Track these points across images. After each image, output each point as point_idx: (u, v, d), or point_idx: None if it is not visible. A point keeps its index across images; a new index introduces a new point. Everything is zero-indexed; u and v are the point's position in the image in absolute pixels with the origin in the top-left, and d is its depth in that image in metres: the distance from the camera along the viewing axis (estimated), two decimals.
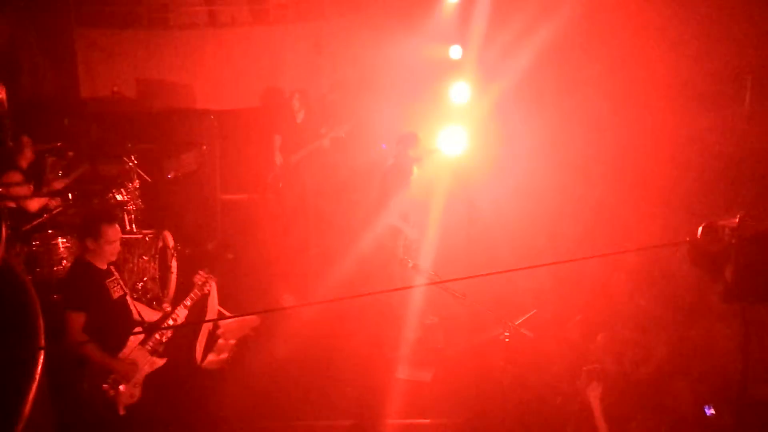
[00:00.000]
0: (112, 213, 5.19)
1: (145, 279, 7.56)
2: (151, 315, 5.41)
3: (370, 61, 9.99)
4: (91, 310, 4.88)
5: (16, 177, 7.26)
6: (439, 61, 9.70)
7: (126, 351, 5.03)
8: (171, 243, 7.82)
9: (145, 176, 8.37)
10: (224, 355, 5.10)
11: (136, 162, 8.20)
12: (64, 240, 7.38)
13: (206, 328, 6.84)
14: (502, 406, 5.89)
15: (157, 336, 5.19)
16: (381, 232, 7.64)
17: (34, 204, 7.39)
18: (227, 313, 5.38)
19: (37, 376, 2.86)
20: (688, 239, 4.17)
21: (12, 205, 7.19)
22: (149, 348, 5.16)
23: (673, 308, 6.32)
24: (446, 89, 8.86)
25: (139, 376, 5.09)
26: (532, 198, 8.41)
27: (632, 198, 7.56)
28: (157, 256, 7.63)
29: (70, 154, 8.56)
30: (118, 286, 5.17)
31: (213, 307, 6.64)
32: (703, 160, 7.23)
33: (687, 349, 5.80)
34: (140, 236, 7.68)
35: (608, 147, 8.08)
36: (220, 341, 7.01)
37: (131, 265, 7.55)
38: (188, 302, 5.30)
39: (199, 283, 5.41)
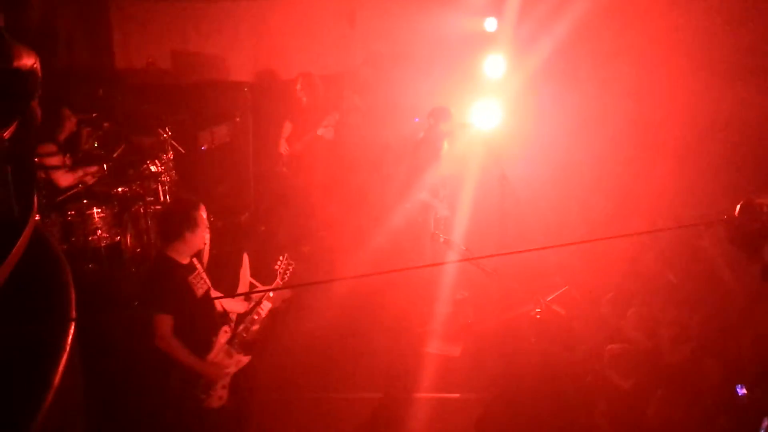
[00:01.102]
0: (196, 198, 4.93)
1: None
2: (235, 306, 5.16)
3: (404, 35, 9.86)
4: (177, 311, 4.59)
5: (51, 148, 7.32)
6: (474, 34, 9.55)
7: (214, 353, 4.79)
8: (204, 215, 7.86)
9: (179, 148, 8.42)
10: (255, 327, 5.05)
11: (170, 133, 8.25)
12: (99, 210, 7.46)
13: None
14: (531, 383, 5.87)
15: (243, 333, 4.97)
16: (412, 207, 7.62)
17: (65, 179, 7.43)
18: (259, 285, 5.38)
19: (68, 347, 2.88)
20: (725, 217, 4.08)
21: (44, 176, 7.25)
22: (235, 345, 4.91)
23: (708, 287, 6.23)
24: (480, 62, 8.74)
25: (227, 378, 4.86)
26: (566, 173, 8.31)
27: (669, 173, 7.40)
28: None
29: (106, 124, 8.64)
30: (202, 281, 4.87)
31: (245, 278, 6.67)
32: (743, 134, 7.03)
33: (721, 329, 5.71)
34: None
35: (645, 119, 7.91)
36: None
37: None
38: (271, 294, 5.08)
39: (281, 270, 5.25)
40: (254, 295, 5.17)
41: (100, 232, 7.42)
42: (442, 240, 5.96)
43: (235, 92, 10.05)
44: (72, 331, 2.99)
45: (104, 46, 10.49)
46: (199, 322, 4.73)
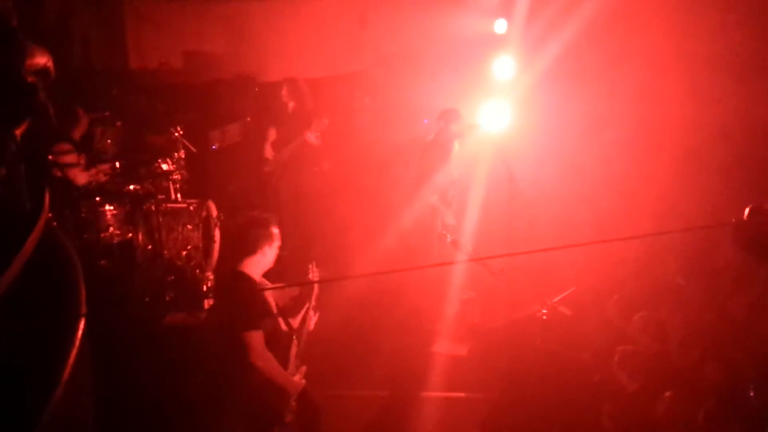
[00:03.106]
0: (265, 216, 4.84)
1: (188, 247, 7.70)
2: (295, 320, 5.08)
3: (414, 36, 9.90)
4: (264, 327, 4.54)
5: (66, 147, 7.41)
6: (484, 36, 9.57)
7: (291, 366, 4.80)
8: (215, 213, 7.94)
9: (191, 146, 8.49)
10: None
11: (182, 132, 8.31)
12: (111, 207, 7.54)
13: None
14: (538, 383, 5.87)
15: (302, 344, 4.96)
16: (421, 209, 7.64)
17: (81, 177, 7.53)
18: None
19: (77, 342, 2.92)
20: (734, 220, 4.09)
21: (59, 174, 7.34)
22: (299, 357, 4.92)
23: (717, 291, 6.21)
24: (490, 64, 8.75)
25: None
26: (574, 174, 8.30)
27: (677, 175, 7.39)
28: (200, 225, 7.76)
29: (119, 123, 8.73)
30: (271, 297, 4.85)
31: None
32: (752, 137, 7.00)
33: (729, 334, 5.70)
34: (185, 205, 7.81)
35: (653, 121, 7.89)
36: None
37: (176, 233, 7.69)
38: (314, 302, 5.05)
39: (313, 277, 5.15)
40: (302, 307, 5.11)
41: (112, 229, 7.52)
42: (449, 240, 5.98)
43: (246, 91, 10.11)
44: (82, 326, 3.02)
45: (118, 46, 10.59)
46: (278, 339, 4.73)
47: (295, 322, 5.04)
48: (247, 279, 4.64)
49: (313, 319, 5.03)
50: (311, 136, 8.56)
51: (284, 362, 4.75)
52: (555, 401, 5.70)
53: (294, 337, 4.92)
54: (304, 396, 4.83)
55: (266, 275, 4.86)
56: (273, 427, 4.72)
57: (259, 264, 4.68)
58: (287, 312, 5.08)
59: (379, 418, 6.05)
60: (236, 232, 4.92)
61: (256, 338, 4.46)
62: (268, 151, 8.77)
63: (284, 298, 5.43)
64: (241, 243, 4.72)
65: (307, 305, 5.02)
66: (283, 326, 4.92)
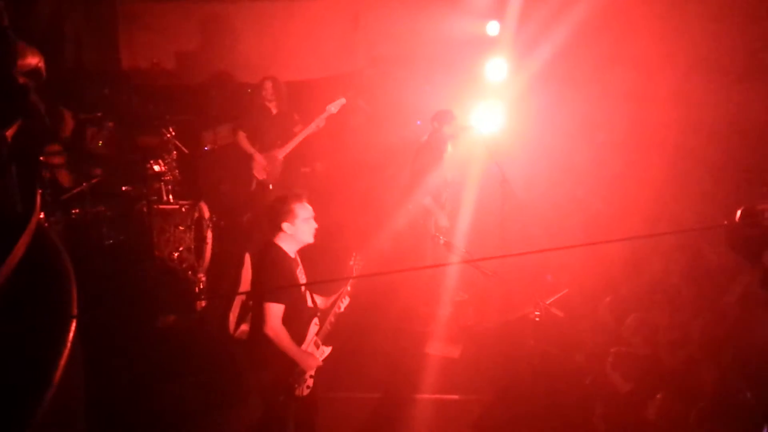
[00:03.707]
0: (298, 191, 4.96)
1: (180, 249, 7.67)
2: (322, 302, 5.18)
3: (407, 38, 9.87)
4: (287, 302, 4.68)
5: (55, 147, 7.37)
6: (476, 37, 9.56)
7: (306, 343, 4.89)
8: (207, 214, 7.92)
9: (183, 148, 8.46)
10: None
11: (174, 133, 8.28)
12: (103, 209, 7.51)
13: (239, 299, 6.92)
14: (530, 385, 5.89)
15: (327, 326, 5.05)
16: (414, 211, 7.64)
17: (70, 178, 7.49)
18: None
19: (69, 344, 2.90)
20: (726, 222, 4.09)
21: (48, 175, 7.30)
22: (322, 337, 5.01)
23: (709, 293, 6.23)
24: (482, 66, 8.76)
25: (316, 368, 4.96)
26: (566, 175, 8.33)
27: (670, 176, 7.41)
28: (192, 226, 7.74)
29: (110, 124, 8.68)
30: (302, 275, 4.94)
31: (247, 278, 6.68)
32: (744, 138, 7.03)
33: (721, 336, 5.72)
34: (177, 207, 7.79)
35: (646, 122, 7.91)
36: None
37: (167, 235, 7.67)
38: (349, 288, 5.11)
39: (356, 268, 5.24)
40: (336, 291, 5.21)
41: (103, 230, 7.47)
42: (442, 242, 5.98)
43: (238, 93, 10.08)
44: (73, 328, 3.00)
45: (110, 47, 10.53)
46: (298, 313, 4.83)
47: (327, 302, 5.13)
48: (278, 251, 4.78)
49: (344, 303, 5.10)
50: (321, 120, 8.39)
51: (300, 339, 4.83)
52: (547, 403, 5.72)
53: (317, 317, 5.00)
54: (319, 375, 4.96)
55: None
56: (288, 399, 4.85)
57: (290, 239, 4.81)
58: (319, 291, 5.20)
59: (372, 421, 6.03)
60: (269, 206, 5.03)
61: (275, 310, 4.61)
62: (259, 159, 8.52)
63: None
64: (268, 218, 4.89)
65: (342, 289, 5.11)
66: (309, 303, 5.01)
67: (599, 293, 6.70)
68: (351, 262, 5.25)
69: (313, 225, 4.88)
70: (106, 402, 5.01)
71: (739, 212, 3.81)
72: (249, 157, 8.59)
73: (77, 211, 7.40)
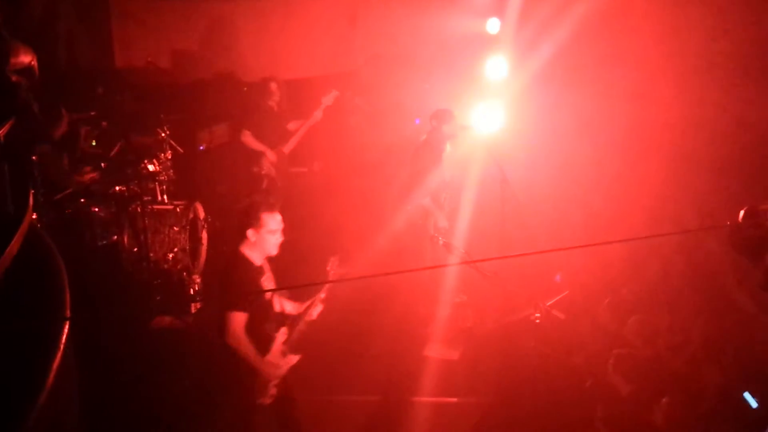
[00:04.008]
0: (271, 201, 4.91)
1: (175, 250, 7.60)
2: (292, 308, 5.11)
3: (405, 36, 9.84)
4: (250, 310, 4.63)
5: (48, 147, 7.29)
6: (476, 36, 9.53)
7: (272, 352, 4.81)
8: (202, 214, 7.85)
9: (178, 147, 8.40)
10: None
11: (168, 133, 8.23)
12: (97, 209, 7.43)
13: None
14: (531, 387, 5.85)
15: (297, 333, 4.97)
16: (412, 211, 7.60)
17: (65, 178, 7.41)
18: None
19: (62, 346, 2.85)
20: (728, 223, 4.04)
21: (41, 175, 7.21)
22: (288, 345, 4.93)
23: (710, 294, 6.20)
24: (482, 64, 8.71)
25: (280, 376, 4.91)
26: (567, 175, 8.28)
27: (671, 176, 7.37)
28: (187, 227, 7.67)
29: (104, 123, 8.60)
30: (270, 282, 4.89)
31: None
32: (746, 138, 6.99)
33: (722, 337, 5.69)
34: (171, 207, 7.73)
35: (647, 122, 7.87)
36: None
37: (162, 235, 7.60)
38: (323, 295, 5.02)
39: (332, 272, 5.17)
40: (308, 298, 5.13)
41: (97, 231, 7.39)
42: (441, 243, 5.93)
43: (234, 91, 10.03)
44: (66, 330, 2.97)
45: (104, 45, 10.47)
46: (263, 323, 4.77)
47: (299, 309, 5.07)
48: (242, 259, 4.73)
49: (316, 309, 5.03)
50: (319, 113, 8.53)
51: (265, 348, 4.76)
52: (547, 405, 5.68)
53: (285, 326, 4.92)
54: (282, 386, 4.87)
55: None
56: (250, 408, 4.78)
57: (255, 247, 4.74)
58: (292, 298, 5.14)
59: (371, 423, 5.98)
60: (240, 212, 4.96)
61: (236, 319, 4.56)
62: (270, 154, 8.65)
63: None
64: (237, 223, 4.83)
65: (315, 296, 5.03)
66: (278, 309, 4.96)
67: (600, 294, 6.67)
68: (328, 267, 5.18)
69: (279, 238, 4.79)
70: (100, 404, 4.95)
71: (742, 212, 3.77)
72: (259, 155, 8.66)
73: (70, 211, 7.31)
